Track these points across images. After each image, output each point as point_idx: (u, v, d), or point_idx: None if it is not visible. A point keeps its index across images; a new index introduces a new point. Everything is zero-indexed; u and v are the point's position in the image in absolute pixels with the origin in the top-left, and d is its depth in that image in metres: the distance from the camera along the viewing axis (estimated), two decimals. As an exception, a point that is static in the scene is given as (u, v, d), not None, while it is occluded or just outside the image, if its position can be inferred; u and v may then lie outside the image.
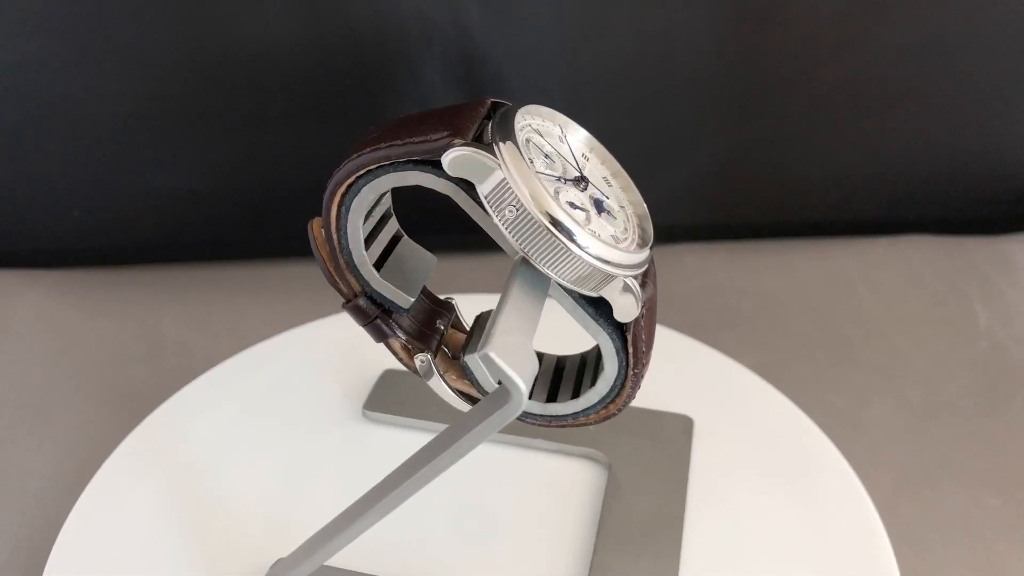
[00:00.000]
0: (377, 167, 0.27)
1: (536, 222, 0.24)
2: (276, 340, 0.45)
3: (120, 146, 0.53)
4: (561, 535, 0.35)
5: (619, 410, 0.29)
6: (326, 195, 0.28)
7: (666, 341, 0.45)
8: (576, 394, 0.29)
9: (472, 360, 0.28)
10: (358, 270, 0.29)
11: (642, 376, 0.28)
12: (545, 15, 0.51)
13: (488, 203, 0.25)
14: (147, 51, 0.50)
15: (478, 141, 0.26)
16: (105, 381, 0.48)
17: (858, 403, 0.46)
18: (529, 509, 0.37)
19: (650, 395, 0.41)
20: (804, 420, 0.40)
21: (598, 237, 0.25)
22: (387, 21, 0.50)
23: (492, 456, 0.38)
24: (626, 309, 0.26)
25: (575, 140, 0.29)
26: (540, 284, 0.26)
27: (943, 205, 0.59)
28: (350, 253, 0.29)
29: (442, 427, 0.39)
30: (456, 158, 0.25)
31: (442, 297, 0.32)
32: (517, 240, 0.25)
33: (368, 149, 0.27)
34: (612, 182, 0.29)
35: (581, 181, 0.27)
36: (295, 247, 0.55)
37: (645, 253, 0.26)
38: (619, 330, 0.27)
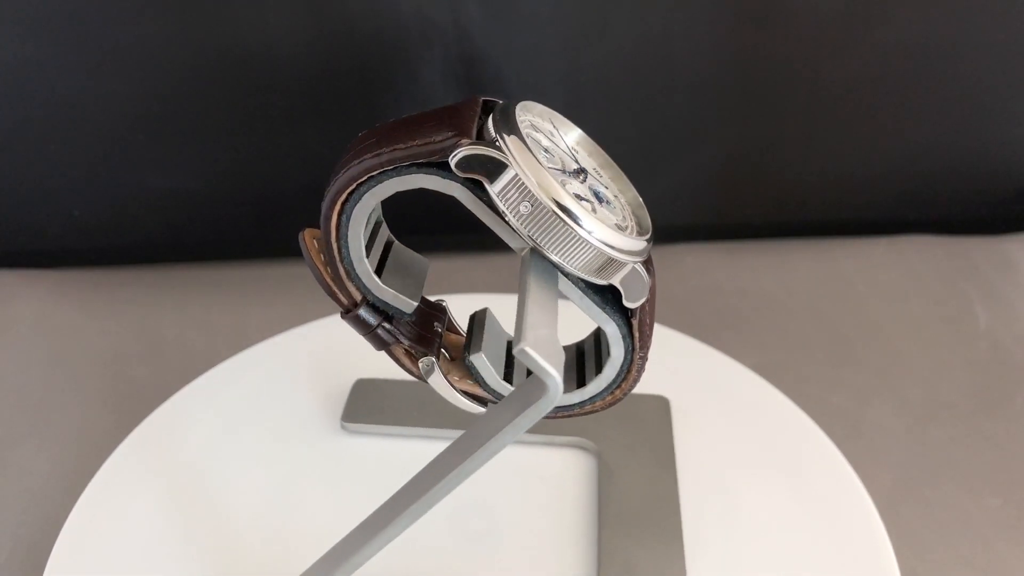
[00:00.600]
0: (379, 172, 0.27)
1: (552, 215, 0.25)
2: (276, 340, 0.45)
3: (120, 146, 0.53)
4: (563, 525, 0.36)
5: (624, 395, 0.29)
6: (325, 203, 0.28)
7: (666, 341, 0.45)
8: (582, 383, 0.29)
9: (478, 359, 0.28)
10: (360, 279, 0.29)
11: (646, 359, 0.28)
12: (545, 15, 0.51)
13: (501, 200, 0.25)
14: (147, 51, 0.50)
15: (480, 139, 0.26)
16: (105, 381, 0.48)
17: (858, 403, 0.46)
18: (528, 502, 0.37)
19: (648, 393, 0.41)
20: (804, 420, 0.40)
21: (608, 226, 0.25)
22: (387, 21, 0.50)
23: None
24: (636, 294, 0.26)
25: (565, 134, 0.30)
26: (551, 276, 0.27)
27: (943, 205, 0.59)
28: (351, 261, 0.29)
29: (423, 431, 0.39)
30: (465, 157, 0.25)
31: (432, 299, 0.32)
32: (532, 233, 0.25)
33: (369, 155, 0.27)
34: (602, 173, 0.29)
35: (580, 173, 0.28)
36: (295, 247, 0.55)
37: (646, 240, 0.26)
38: (625, 316, 0.27)
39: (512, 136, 0.25)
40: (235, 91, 0.52)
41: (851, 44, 0.53)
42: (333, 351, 0.44)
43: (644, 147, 0.56)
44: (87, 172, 0.54)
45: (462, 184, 0.26)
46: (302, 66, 0.51)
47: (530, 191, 0.25)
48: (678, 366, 0.43)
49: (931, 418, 0.45)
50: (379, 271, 0.30)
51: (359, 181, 0.27)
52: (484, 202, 0.26)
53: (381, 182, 0.27)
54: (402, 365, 0.31)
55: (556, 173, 0.26)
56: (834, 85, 0.54)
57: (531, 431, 0.38)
